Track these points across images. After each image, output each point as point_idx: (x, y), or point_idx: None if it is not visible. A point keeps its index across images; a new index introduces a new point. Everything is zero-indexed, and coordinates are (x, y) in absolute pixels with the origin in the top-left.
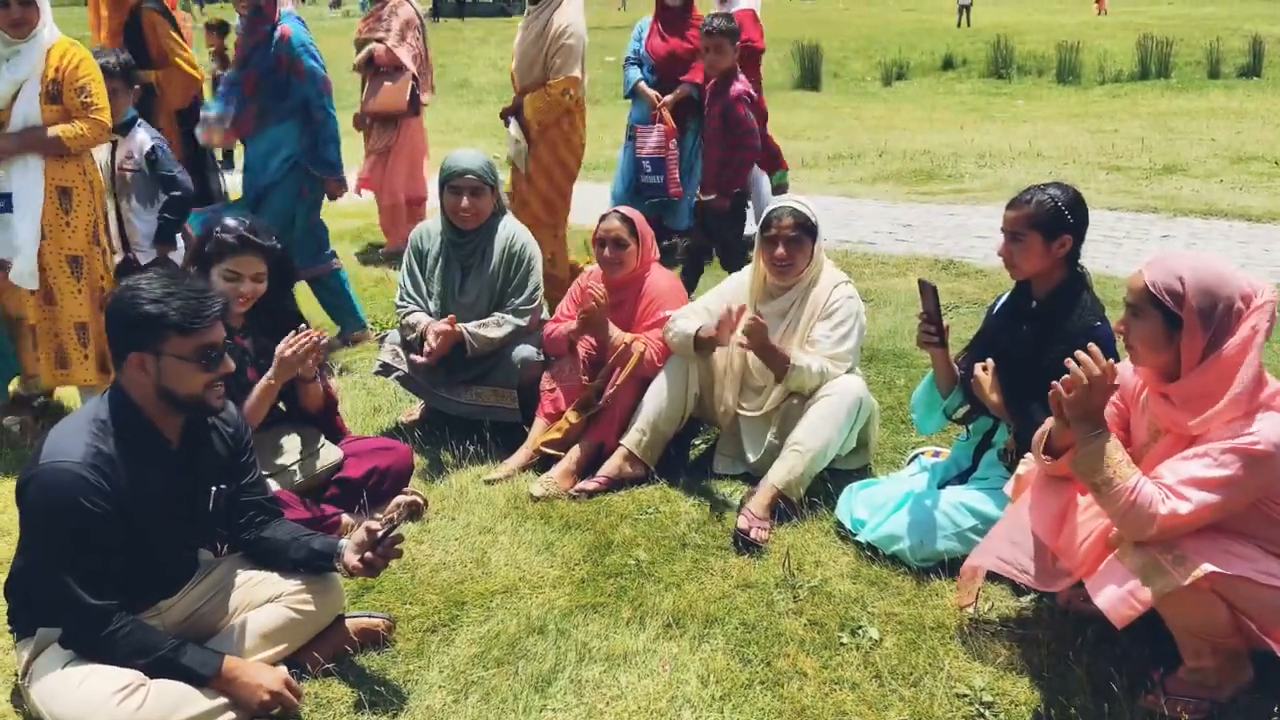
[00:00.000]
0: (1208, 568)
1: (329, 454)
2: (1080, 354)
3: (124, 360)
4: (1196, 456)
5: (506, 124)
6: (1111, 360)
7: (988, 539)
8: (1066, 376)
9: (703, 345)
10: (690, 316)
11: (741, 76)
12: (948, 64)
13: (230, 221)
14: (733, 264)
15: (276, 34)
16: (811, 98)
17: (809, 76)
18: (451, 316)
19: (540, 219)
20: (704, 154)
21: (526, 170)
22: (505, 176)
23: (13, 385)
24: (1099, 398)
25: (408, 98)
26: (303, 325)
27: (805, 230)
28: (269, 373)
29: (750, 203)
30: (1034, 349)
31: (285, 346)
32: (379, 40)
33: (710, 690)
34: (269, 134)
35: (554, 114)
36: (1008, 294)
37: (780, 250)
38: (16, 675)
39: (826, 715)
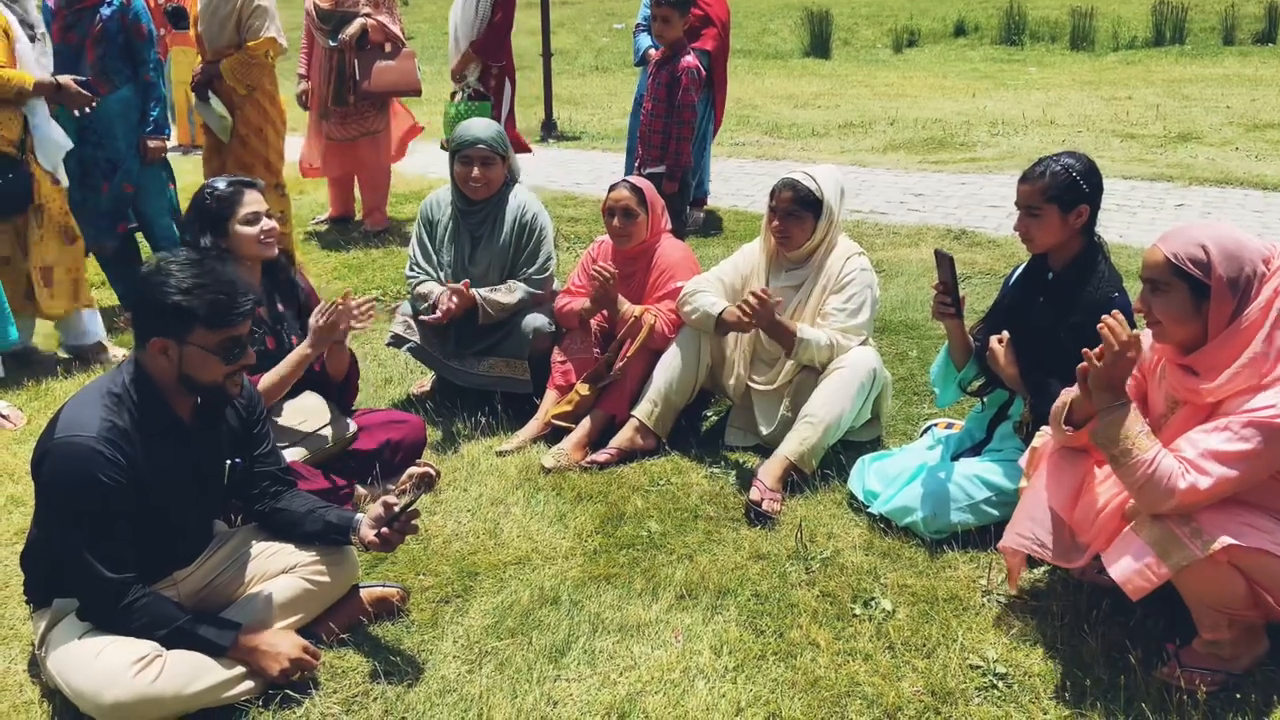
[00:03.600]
0: (1225, 540)
1: (344, 426)
2: (1108, 319)
3: (146, 342)
4: (1216, 430)
5: (204, 99)
6: (1136, 331)
7: (1015, 518)
8: (1100, 345)
9: (725, 327)
10: (706, 290)
11: (691, 50)
12: (959, 30)
13: (216, 182)
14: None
15: None
16: (822, 65)
17: (819, 44)
18: (466, 281)
19: (266, 182)
20: (647, 126)
21: (236, 137)
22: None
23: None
24: (1124, 367)
25: (419, 75)
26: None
27: (804, 205)
28: (305, 342)
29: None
30: (1051, 321)
31: (319, 315)
32: (354, 13)
33: (723, 661)
34: (116, 99)
35: (259, 75)
36: (1024, 265)
37: (776, 223)
38: (34, 645)
39: (839, 686)
